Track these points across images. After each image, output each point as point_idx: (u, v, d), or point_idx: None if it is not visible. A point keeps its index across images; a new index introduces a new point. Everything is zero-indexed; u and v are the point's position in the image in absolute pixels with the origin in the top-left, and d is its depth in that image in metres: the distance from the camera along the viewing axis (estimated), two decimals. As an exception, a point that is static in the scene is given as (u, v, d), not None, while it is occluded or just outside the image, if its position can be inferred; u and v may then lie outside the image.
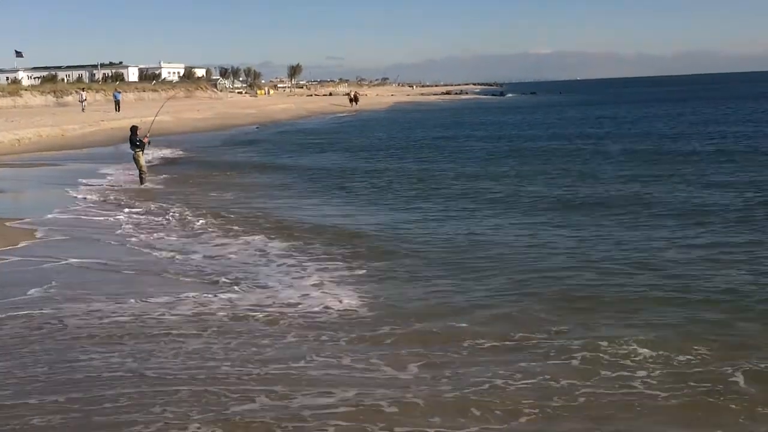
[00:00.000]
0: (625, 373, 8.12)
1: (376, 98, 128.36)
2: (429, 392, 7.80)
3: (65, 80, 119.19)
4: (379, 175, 27.18)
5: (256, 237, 15.88)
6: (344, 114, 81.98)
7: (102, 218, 18.70)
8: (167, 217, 18.69)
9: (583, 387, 7.80)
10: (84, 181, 26.06)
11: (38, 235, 16.57)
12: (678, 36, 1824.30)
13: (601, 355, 8.63)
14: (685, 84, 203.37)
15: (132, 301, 11.24)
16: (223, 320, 10.33)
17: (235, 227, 17.06)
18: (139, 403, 7.62)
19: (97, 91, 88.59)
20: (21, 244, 15.58)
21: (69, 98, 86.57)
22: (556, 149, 35.05)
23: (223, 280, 12.45)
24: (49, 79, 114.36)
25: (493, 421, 7.19)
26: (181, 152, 37.81)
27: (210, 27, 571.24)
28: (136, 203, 21.22)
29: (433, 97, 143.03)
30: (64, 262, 14.03)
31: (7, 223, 17.86)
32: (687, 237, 14.80)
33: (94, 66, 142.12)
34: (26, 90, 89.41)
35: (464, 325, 9.88)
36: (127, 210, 19.77)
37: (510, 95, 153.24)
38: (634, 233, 15.40)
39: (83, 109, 65.59)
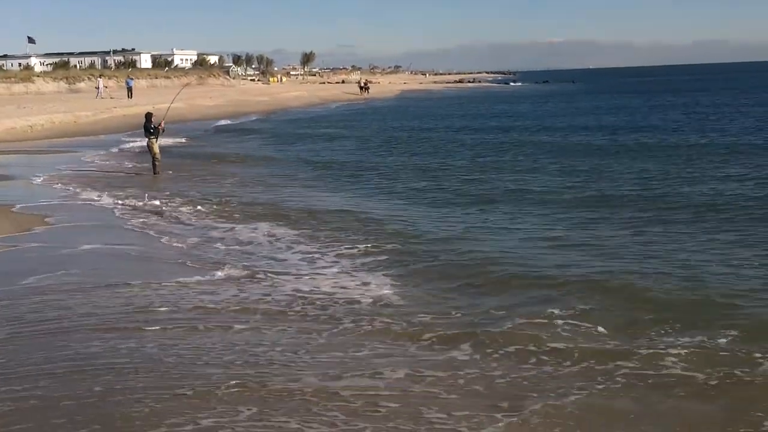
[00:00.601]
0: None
1: (388, 86, 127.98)
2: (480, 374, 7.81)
3: (78, 67, 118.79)
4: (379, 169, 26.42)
5: (264, 224, 15.89)
6: (354, 102, 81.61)
7: (111, 205, 18.43)
8: (180, 205, 18.41)
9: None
10: (93, 167, 25.84)
11: (49, 221, 16.40)
12: (690, 25, 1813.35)
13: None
14: (700, 73, 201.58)
15: (168, 284, 11.30)
16: (261, 307, 10.26)
17: (252, 215, 16.94)
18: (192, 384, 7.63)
19: (109, 78, 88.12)
20: (34, 230, 15.50)
21: (81, 84, 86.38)
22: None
23: (247, 266, 12.45)
24: (61, 66, 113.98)
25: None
26: (184, 140, 37.35)
27: (223, 14, 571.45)
28: (149, 192, 20.90)
29: (443, 86, 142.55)
30: (80, 248, 13.89)
31: (14, 209, 17.67)
32: None
33: (107, 53, 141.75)
34: (39, 76, 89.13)
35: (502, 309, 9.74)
36: (140, 197, 19.45)
37: (518, 84, 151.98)
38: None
39: (101, 96, 65.05)
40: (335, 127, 46.42)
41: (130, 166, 26.91)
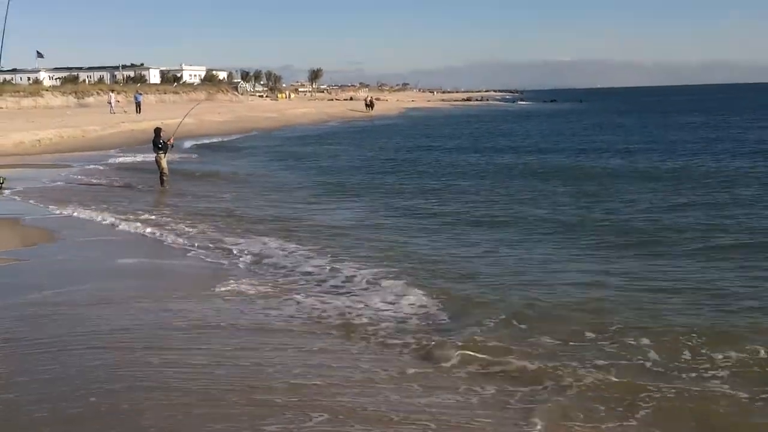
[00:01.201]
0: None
1: (395, 103, 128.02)
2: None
3: (86, 81, 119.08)
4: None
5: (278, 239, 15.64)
6: (360, 119, 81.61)
7: (123, 220, 18.13)
8: (194, 221, 18.10)
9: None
10: (102, 180, 25.67)
11: (58, 235, 16.23)
12: (698, 46, 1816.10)
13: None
14: (709, 93, 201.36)
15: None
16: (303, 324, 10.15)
17: (265, 230, 16.72)
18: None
19: (118, 93, 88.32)
20: (41, 244, 15.35)
21: (90, 99, 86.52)
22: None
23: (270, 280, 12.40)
24: (70, 80, 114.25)
25: None
26: (193, 156, 37.19)
27: (231, 30, 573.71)
28: (158, 206, 20.74)
29: (450, 104, 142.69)
30: (109, 263, 13.80)
31: (23, 222, 17.47)
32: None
33: (116, 67, 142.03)
34: (47, 90, 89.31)
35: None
36: (149, 212, 19.20)
37: (525, 103, 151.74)
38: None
39: (113, 111, 64.91)
40: (339, 144, 46.40)
41: (137, 180, 26.66)
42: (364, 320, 10.21)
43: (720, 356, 8.52)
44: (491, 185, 25.35)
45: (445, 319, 10.27)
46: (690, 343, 8.94)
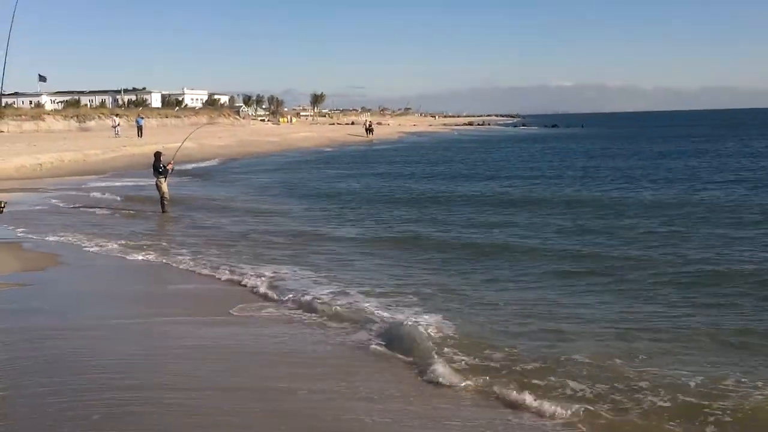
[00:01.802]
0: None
1: (397, 127, 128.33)
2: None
3: (88, 105, 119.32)
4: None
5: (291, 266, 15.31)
6: (359, 143, 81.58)
7: (126, 246, 17.91)
8: (202, 245, 17.93)
9: None
10: (102, 205, 25.53)
11: (61, 260, 16.06)
12: (698, 71, 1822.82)
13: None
14: (710, 119, 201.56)
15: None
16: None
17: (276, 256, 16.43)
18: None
19: (120, 116, 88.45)
20: (47, 269, 15.18)
21: (92, 123, 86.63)
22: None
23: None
24: (72, 104, 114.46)
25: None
26: (196, 179, 37.05)
27: (233, 54, 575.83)
28: (160, 231, 20.59)
29: (451, 128, 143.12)
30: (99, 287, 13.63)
31: (25, 246, 17.32)
32: None
33: (117, 91, 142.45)
34: (49, 114, 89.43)
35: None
36: (150, 236, 19.04)
37: (526, 128, 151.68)
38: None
39: (117, 135, 65.03)
40: (338, 170, 46.32)
41: (138, 204, 26.53)
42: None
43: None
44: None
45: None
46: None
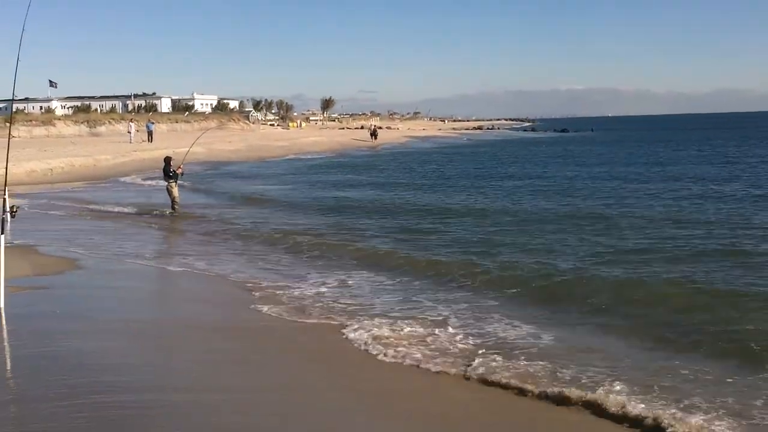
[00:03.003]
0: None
1: (404, 132, 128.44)
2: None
3: (98, 110, 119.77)
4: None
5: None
6: (361, 148, 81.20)
7: (142, 250, 17.98)
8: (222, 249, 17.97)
9: None
10: (114, 209, 25.59)
11: (80, 263, 15.92)
12: (709, 74, 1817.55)
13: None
14: (720, 122, 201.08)
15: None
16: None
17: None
18: None
19: (130, 121, 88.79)
20: (67, 272, 15.02)
21: (102, 128, 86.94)
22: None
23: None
24: (82, 109, 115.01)
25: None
26: (206, 184, 37.14)
27: (244, 59, 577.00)
28: (175, 234, 20.63)
29: (460, 132, 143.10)
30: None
31: (41, 250, 17.32)
32: None
33: (128, 96, 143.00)
34: (59, 120, 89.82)
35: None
36: (163, 241, 19.11)
37: (536, 133, 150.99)
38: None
39: (132, 140, 65.15)
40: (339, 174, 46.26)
41: (149, 206, 26.61)
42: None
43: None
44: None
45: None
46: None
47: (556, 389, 8.40)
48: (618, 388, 8.34)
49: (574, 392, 8.25)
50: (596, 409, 7.94)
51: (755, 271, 14.50)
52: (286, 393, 8.54)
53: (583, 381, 8.66)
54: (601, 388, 8.35)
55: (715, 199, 27.24)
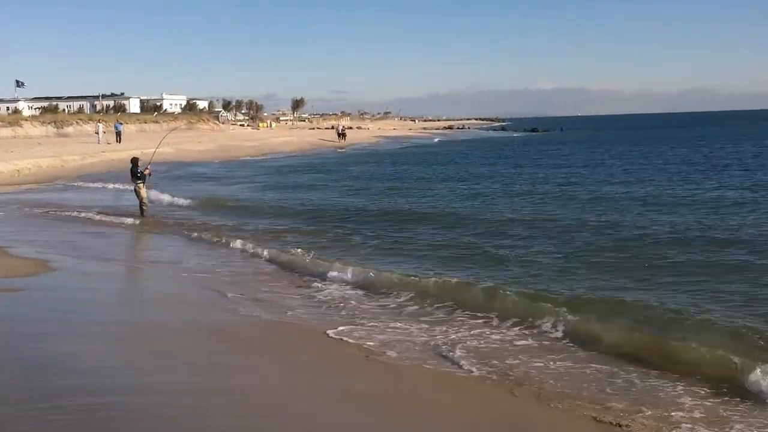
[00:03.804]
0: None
1: (377, 131, 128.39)
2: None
3: (66, 111, 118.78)
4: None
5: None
6: (328, 148, 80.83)
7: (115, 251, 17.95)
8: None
9: None
10: (79, 210, 25.48)
11: (53, 265, 15.78)
12: (679, 74, 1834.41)
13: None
14: (690, 121, 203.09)
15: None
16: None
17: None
18: None
19: (103, 122, 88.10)
20: (41, 274, 14.87)
21: (69, 129, 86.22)
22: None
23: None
24: (50, 110, 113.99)
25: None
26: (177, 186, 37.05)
27: (213, 59, 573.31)
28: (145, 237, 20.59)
29: (431, 132, 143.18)
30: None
31: (11, 251, 17.23)
32: None
33: (96, 97, 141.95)
34: (26, 120, 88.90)
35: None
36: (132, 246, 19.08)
37: (507, 133, 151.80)
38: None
39: (100, 141, 64.74)
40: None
41: (117, 210, 26.50)
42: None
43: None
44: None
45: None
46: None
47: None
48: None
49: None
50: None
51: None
52: (270, 395, 8.59)
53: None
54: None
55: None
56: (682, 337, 10.25)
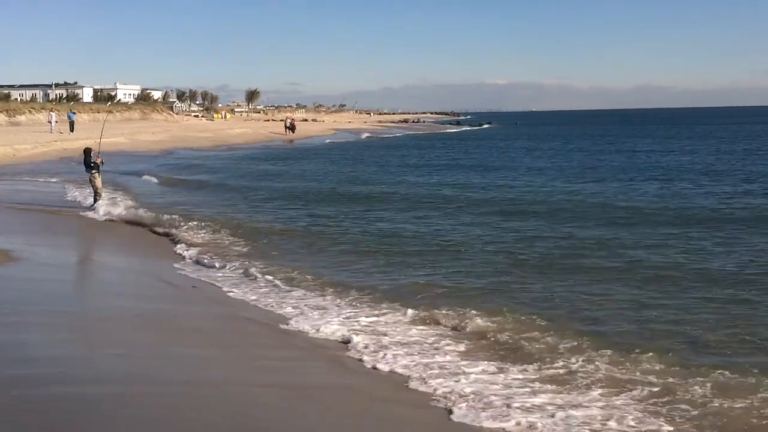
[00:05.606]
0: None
1: (332, 124, 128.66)
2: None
3: (18, 99, 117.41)
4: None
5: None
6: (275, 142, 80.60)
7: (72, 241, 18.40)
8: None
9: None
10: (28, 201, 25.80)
11: (14, 255, 15.51)
12: (632, 70, 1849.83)
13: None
14: (641, 117, 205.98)
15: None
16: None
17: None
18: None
19: (56, 111, 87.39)
20: (1, 264, 14.58)
21: (22, 117, 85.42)
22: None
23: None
24: (1, 98, 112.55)
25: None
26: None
27: (167, 49, 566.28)
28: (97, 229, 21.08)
29: (386, 125, 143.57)
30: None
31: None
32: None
33: (48, 86, 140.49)
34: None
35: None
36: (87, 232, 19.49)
37: (461, 128, 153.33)
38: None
39: (53, 130, 64.27)
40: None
41: (66, 200, 26.84)
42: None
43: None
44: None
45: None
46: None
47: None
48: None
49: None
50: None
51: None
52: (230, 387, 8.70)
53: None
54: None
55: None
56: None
